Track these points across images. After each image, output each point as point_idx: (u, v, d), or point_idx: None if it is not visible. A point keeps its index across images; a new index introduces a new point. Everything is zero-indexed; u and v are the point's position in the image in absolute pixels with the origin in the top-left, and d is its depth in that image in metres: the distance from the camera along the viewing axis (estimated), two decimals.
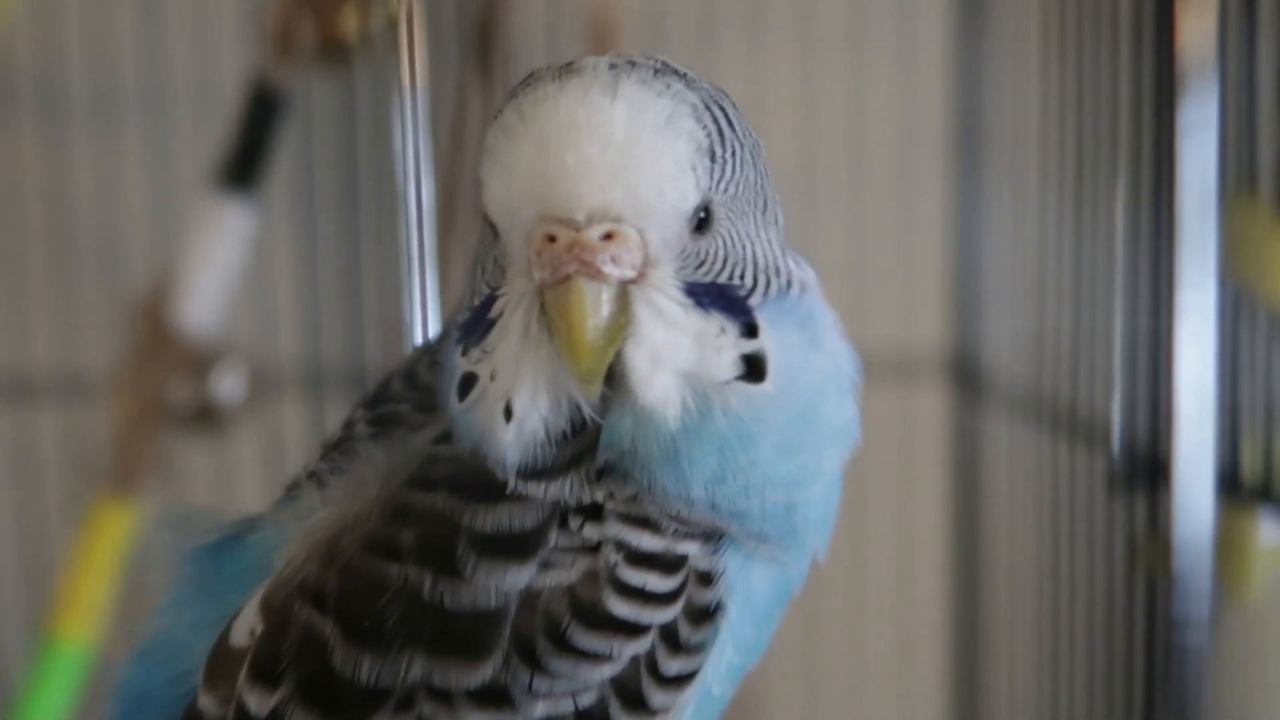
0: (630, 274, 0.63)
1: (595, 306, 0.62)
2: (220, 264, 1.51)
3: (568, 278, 0.62)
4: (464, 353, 0.67)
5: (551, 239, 0.63)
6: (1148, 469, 1.18)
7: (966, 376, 1.72)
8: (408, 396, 0.74)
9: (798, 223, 0.77)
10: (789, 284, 0.69)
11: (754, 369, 0.65)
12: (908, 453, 1.75)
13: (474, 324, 0.67)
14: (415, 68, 1.12)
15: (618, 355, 0.63)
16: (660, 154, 0.63)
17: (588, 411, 0.65)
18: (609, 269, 0.62)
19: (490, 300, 0.66)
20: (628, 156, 0.62)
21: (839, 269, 1.65)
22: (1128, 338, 1.22)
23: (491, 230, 0.67)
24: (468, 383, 0.67)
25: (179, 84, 1.72)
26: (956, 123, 1.71)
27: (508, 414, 0.65)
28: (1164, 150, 1.09)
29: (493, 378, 0.65)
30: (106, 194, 1.74)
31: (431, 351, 0.76)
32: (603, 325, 0.63)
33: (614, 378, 0.64)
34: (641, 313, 0.63)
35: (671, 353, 0.64)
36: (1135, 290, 1.20)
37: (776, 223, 0.71)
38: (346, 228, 1.69)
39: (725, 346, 0.65)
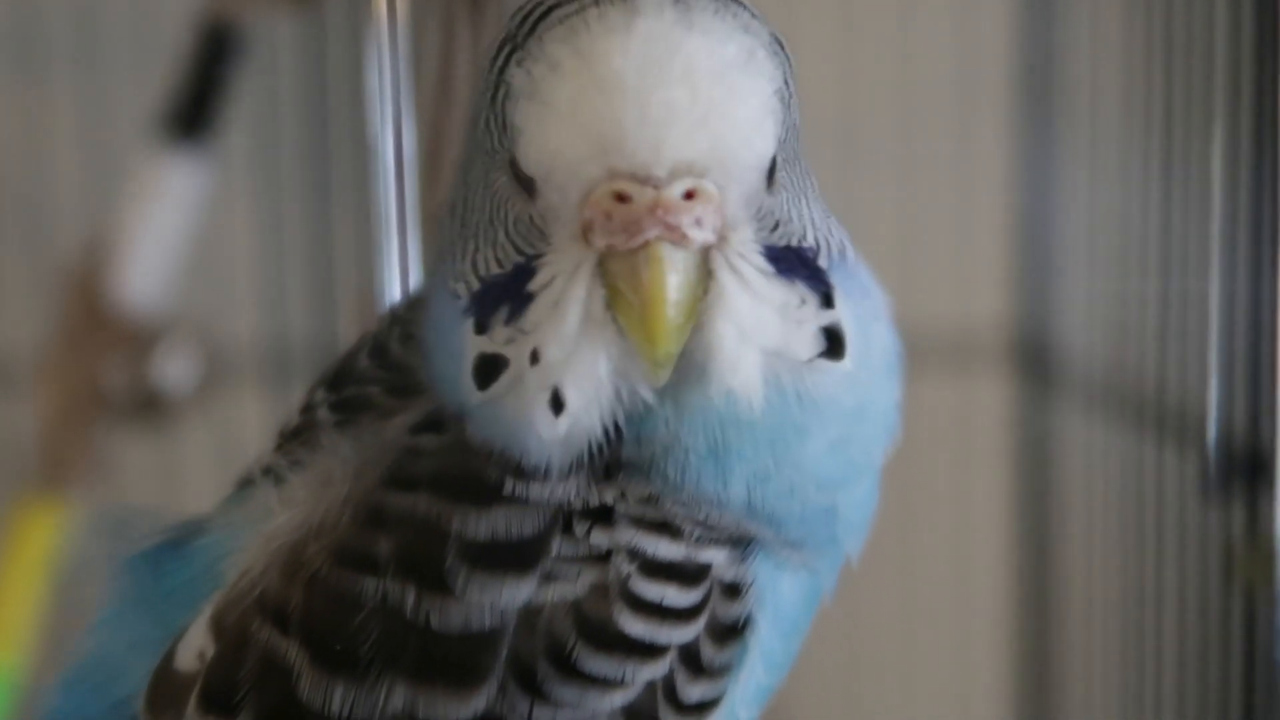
0: (712, 239, 0.63)
1: (680, 278, 0.62)
2: (166, 228, 1.51)
3: (646, 244, 0.61)
4: (481, 330, 0.66)
5: (621, 198, 0.62)
6: (1247, 468, 1.18)
7: (1034, 361, 1.72)
8: (378, 376, 0.74)
9: (835, 178, 0.76)
10: (842, 246, 0.69)
11: (834, 344, 0.65)
12: (965, 452, 1.74)
13: (502, 296, 0.65)
14: (395, 1, 1.12)
15: (693, 335, 0.62)
16: (747, 97, 0.62)
17: (643, 400, 0.64)
18: (694, 233, 0.62)
19: (525, 270, 0.65)
20: (714, 100, 0.61)
21: (884, 233, 1.64)
22: (1225, 313, 1.22)
23: (518, 185, 0.65)
24: (491, 367, 0.65)
25: (115, 19, 1.71)
26: (1023, 60, 1.70)
27: (555, 406, 0.64)
28: (1266, 90, 1.09)
29: (534, 360, 0.64)
30: (31, 147, 1.74)
31: (403, 322, 0.76)
32: (685, 300, 0.62)
33: (682, 360, 0.63)
34: (727, 282, 0.63)
35: (759, 328, 0.63)
36: (1234, 256, 1.20)
37: (810, 174, 0.71)
38: (316, 185, 1.69)
39: (807, 319, 0.65)
